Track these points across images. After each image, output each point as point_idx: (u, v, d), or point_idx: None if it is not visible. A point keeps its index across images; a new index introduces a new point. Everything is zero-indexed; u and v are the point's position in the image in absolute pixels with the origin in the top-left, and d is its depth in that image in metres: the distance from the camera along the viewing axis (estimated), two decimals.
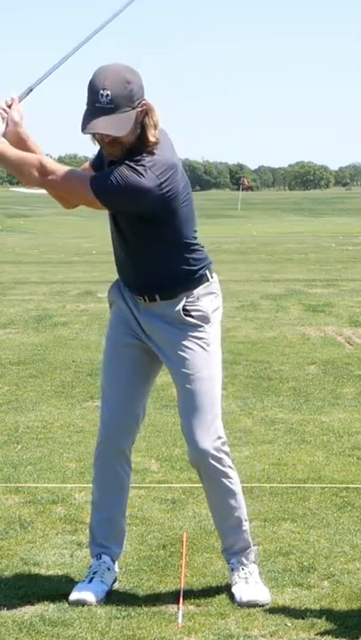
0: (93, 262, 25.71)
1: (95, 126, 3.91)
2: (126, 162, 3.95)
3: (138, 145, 3.97)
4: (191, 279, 4.17)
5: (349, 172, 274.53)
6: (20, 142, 4.16)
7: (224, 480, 4.21)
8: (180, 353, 4.15)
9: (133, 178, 3.92)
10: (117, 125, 3.89)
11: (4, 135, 4.12)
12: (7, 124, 4.13)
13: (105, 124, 3.90)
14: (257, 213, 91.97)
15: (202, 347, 4.16)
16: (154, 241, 4.09)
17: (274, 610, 4.03)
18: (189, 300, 4.15)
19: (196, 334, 4.16)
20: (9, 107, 4.15)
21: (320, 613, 3.98)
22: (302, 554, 4.68)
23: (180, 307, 4.14)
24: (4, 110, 4.13)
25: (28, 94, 4.19)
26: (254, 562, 4.31)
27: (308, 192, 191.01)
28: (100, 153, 4.21)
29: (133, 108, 3.91)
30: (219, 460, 4.17)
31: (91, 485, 4.45)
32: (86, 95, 3.96)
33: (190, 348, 4.15)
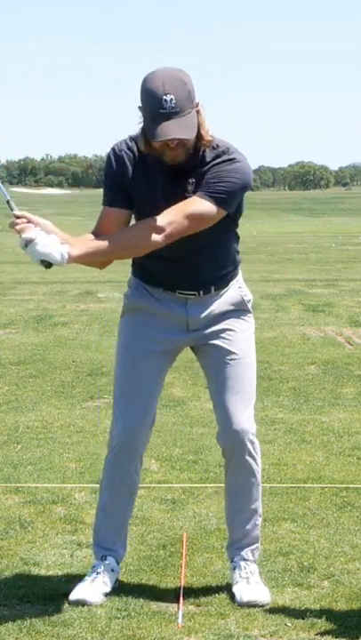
0: None
1: (169, 132, 3.84)
2: (219, 161, 3.96)
3: (197, 144, 3.96)
4: (236, 266, 4.30)
5: (349, 172, 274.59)
6: (69, 238, 3.96)
7: (253, 464, 4.24)
8: (229, 332, 4.21)
9: (240, 167, 3.98)
10: (188, 127, 3.87)
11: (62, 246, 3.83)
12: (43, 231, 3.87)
13: (177, 129, 3.85)
14: (257, 213, 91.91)
15: (248, 332, 4.28)
16: (225, 232, 4.14)
17: (274, 610, 4.03)
18: (239, 285, 4.28)
19: (245, 318, 4.27)
20: (18, 218, 3.92)
21: (320, 613, 3.98)
22: (302, 554, 4.68)
23: (237, 292, 4.25)
24: (20, 223, 3.89)
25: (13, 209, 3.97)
26: (256, 561, 4.31)
27: (308, 192, 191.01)
28: (115, 184, 4.08)
29: (193, 108, 3.90)
30: (253, 443, 4.22)
31: (91, 485, 4.46)
32: (143, 104, 3.88)
33: (238, 330, 4.23)
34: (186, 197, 3.99)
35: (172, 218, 3.93)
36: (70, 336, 12.12)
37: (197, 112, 3.93)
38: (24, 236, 3.83)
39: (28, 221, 3.87)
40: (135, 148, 4.06)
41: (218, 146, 4.02)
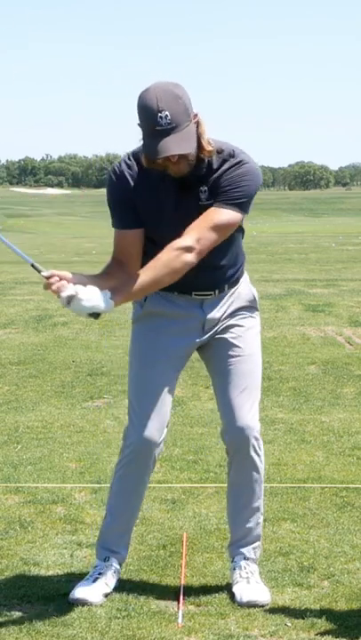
0: (93, 262, 25.69)
1: (167, 149, 3.83)
2: (229, 166, 3.97)
3: (199, 154, 3.96)
4: (243, 263, 4.35)
5: (349, 172, 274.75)
6: (101, 281, 3.94)
7: (257, 461, 4.25)
8: (238, 328, 4.23)
9: (249, 170, 4.00)
10: (186, 141, 3.87)
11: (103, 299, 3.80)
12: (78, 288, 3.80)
13: (175, 145, 3.84)
14: (257, 213, 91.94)
15: (255, 330, 4.31)
16: (237, 233, 4.18)
17: (274, 610, 4.03)
18: (247, 282, 4.33)
19: (253, 316, 4.31)
20: (49, 278, 3.81)
21: (320, 613, 3.98)
22: (302, 554, 4.68)
23: (249, 289, 4.31)
24: (54, 282, 3.79)
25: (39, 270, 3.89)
26: (256, 560, 4.31)
27: (308, 192, 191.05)
28: (118, 209, 4.08)
29: (190, 121, 3.89)
30: (258, 440, 4.24)
31: (91, 485, 4.46)
32: (140, 121, 3.88)
33: (247, 328, 4.26)
34: (199, 206, 4.00)
35: (198, 234, 3.93)
36: (70, 336, 12.12)
37: (197, 123, 3.93)
38: (63, 295, 3.78)
39: (60, 278, 3.82)
40: (135, 166, 4.04)
41: (222, 150, 4.01)
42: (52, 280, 3.79)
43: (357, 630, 3.84)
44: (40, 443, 6.84)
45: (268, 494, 5.56)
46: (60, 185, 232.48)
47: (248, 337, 4.26)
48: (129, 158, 4.06)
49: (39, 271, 3.83)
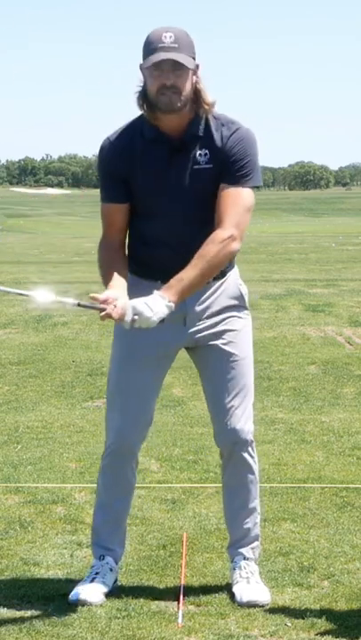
0: (93, 262, 25.46)
1: (164, 55, 3.84)
2: (226, 134, 3.95)
3: (190, 113, 3.95)
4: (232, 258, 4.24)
5: (349, 172, 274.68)
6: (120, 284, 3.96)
7: (251, 463, 4.24)
8: (228, 332, 4.17)
9: (250, 136, 4.00)
10: (184, 59, 3.86)
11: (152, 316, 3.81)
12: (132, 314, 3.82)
13: (172, 54, 3.85)
14: (257, 213, 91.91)
15: (246, 330, 4.25)
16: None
17: (274, 610, 4.03)
18: (236, 277, 4.24)
19: (242, 316, 4.24)
20: (105, 302, 3.82)
21: (320, 613, 3.98)
22: (302, 554, 4.68)
23: (237, 284, 4.22)
24: (110, 310, 3.80)
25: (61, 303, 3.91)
26: (257, 560, 4.31)
27: (308, 192, 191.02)
28: (107, 182, 4.08)
29: (194, 59, 3.90)
30: (251, 443, 4.23)
31: (91, 485, 4.46)
32: (144, 49, 3.90)
33: (238, 330, 4.20)
34: (194, 169, 3.97)
35: (235, 220, 3.94)
36: (70, 336, 12.12)
37: (197, 76, 3.93)
38: (127, 319, 3.80)
39: (108, 302, 3.80)
40: (124, 136, 4.05)
41: (216, 117, 4.00)
42: (108, 308, 3.78)
43: (357, 630, 3.83)
44: (40, 443, 6.84)
45: (268, 494, 5.56)
46: (60, 185, 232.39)
47: (240, 340, 4.21)
48: (115, 134, 4.06)
49: (91, 306, 3.81)
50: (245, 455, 4.23)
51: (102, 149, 4.09)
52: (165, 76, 3.87)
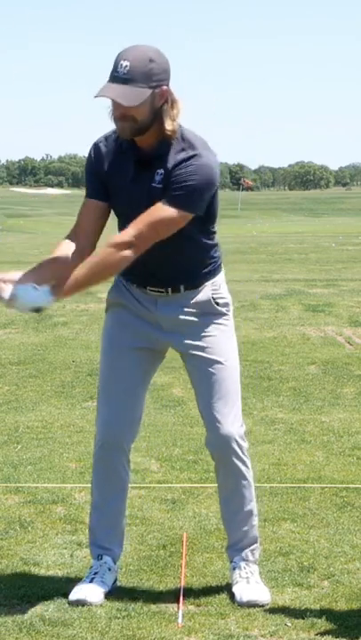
0: None
1: (105, 91, 3.89)
2: (182, 158, 3.94)
3: (158, 132, 3.96)
4: (213, 268, 4.21)
5: (349, 172, 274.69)
6: (47, 271, 4.00)
7: (242, 468, 4.23)
8: (205, 339, 4.17)
9: (202, 164, 3.93)
10: (127, 96, 3.87)
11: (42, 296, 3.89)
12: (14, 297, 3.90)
13: (114, 91, 3.87)
14: (257, 213, 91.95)
15: (226, 334, 4.22)
16: (194, 232, 4.07)
17: (274, 610, 4.03)
18: (214, 288, 4.20)
19: (220, 321, 4.21)
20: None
21: (320, 613, 3.98)
22: (302, 554, 4.68)
23: (209, 295, 4.18)
24: None
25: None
26: (257, 561, 4.31)
27: (308, 192, 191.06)
28: (95, 178, 4.12)
29: (150, 87, 3.89)
30: (240, 446, 4.21)
31: (90, 485, 4.45)
32: None
33: (216, 335, 4.19)
34: (151, 187, 4.00)
35: (138, 230, 3.94)
36: (70, 336, 12.12)
37: (163, 99, 3.93)
38: (4, 295, 3.88)
39: (4, 281, 3.90)
40: (112, 140, 4.10)
41: (185, 139, 3.99)
42: None
43: (357, 630, 3.83)
44: (40, 443, 6.84)
45: (268, 494, 5.56)
46: (60, 185, 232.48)
47: (221, 345, 4.19)
48: (113, 133, 4.11)
49: None
50: (235, 460, 4.21)
51: (93, 148, 4.16)
52: (115, 106, 3.93)
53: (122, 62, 3.88)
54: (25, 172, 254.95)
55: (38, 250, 35.04)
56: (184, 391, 8.54)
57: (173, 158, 3.98)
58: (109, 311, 4.33)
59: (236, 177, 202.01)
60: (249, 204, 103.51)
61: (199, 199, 3.98)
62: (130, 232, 3.95)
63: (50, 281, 3.93)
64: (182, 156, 3.97)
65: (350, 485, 5.79)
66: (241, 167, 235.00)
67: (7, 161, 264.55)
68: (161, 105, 3.94)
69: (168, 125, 3.95)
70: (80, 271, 3.96)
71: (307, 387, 8.87)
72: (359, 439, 6.94)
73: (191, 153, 3.96)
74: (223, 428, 4.17)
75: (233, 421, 4.19)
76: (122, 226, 4.12)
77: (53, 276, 3.96)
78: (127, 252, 3.94)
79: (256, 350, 10.64)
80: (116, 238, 3.97)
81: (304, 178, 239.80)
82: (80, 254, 4.04)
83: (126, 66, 3.87)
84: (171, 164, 3.98)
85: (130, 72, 3.87)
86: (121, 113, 3.92)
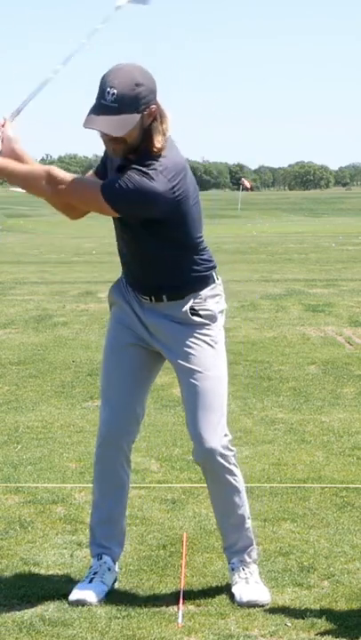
0: (93, 262, 25.70)
1: (93, 122, 3.91)
2: (136, 167, 3.93)
3: (144, 148, 3.96)
4: (198, 281, 4.18)
5: (349, 172, 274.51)
6: (17, 159, 4.14)
7: (229, 477, 4.21)
8: (187, 350, 4.16)
9: (145, 182, 3.90)
10: (116, 126, 3.89)
11: (0, 153, 4.11)
12: (2, 141, 4.13)
13: (103, 123, 3.90)
14: (257, 213, 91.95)
15: (209, 344, 4.19)
16: (164, 243, 4.07)
17: (274, 610, 4.03)
18: (196, 300, 4.17)
19: (203, 332, 4.18)
20: (2, 125, 4.15)
21: (320, 613, 3.98)
22: (302, 554, 4.68)
23: (186, 307, 4.16)
24: None
25: (17, 115, 4.19)
26: (255, 561, 4.31)
27: (308, 192, 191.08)
28: (104, 159, 4.20)
29: (138, 112, 3.89)
30: (225, 457, 4.18)
31: (91, 485, 4.45)
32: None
33: (198, 346, 4.17)
34: None
35: (66, 178, 4.03)
36: (70, 336, 12.12)
37: (151, 117, 3.93)
38: None
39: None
40: None
41: (158, 158, 3.96)
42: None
43: (357, 630, 3.83)
44: (40, 443, 6.85)
45: (268, 494, 5.56)
46: None
47: (204, 355, 4.17)
48: None
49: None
50: (221, 471, 4.18)
51: None
52: (104, 134, 3.97)
53: (108, 90, 3.87)
54: None
55: (38, 250, 35.06)
56: None
57: (139, 163, 3.98)
58: (111, 310, 4.40)
59: (235, 177, 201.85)
60: (249, 203, 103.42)
61: (125, 203, 3.95)
62: (67, 177, 4.03)
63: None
64: (142, 164, 3.94)
65: (350, 485, 5.79)
66: (241, 167, 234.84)
67: None
68: (150, 123, 3.95)
69: (157, 143, 3.96)
70: (22, 167, 4.09)
71: (307, 387, 8.87)
72: (359, 439, 6.94)
73: (146, 170, 3.93)
74: (206, 442, 4.15)
75: (215, 433, 4.15)
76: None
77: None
78: (47, 187, 4.04)
79: (256, 350, 10.63)
80: (54, 170, 4.05)
81: (304, 178, 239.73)
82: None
83: (114, 94, 3.87)
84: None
85: (117, 100, 3.87)
86: (112, 138, 3.95)
